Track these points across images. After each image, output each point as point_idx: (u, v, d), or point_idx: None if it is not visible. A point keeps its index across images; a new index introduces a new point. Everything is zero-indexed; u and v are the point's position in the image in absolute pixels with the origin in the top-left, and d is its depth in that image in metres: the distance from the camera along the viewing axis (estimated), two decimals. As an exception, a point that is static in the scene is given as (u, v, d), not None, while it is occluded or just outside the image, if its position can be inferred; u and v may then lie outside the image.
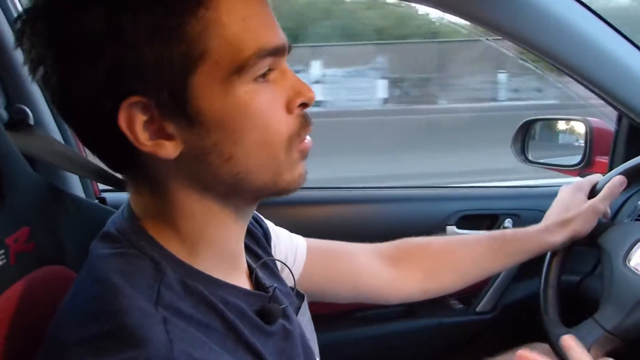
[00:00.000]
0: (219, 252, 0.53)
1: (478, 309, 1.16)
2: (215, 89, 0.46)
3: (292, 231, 0.78)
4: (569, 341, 0.65)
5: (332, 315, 1.07)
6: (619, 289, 0.82)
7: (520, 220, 1.15)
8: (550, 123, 1.47)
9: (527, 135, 1.37)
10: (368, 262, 0.82)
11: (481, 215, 1.17)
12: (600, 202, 0.89)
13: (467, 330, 1.15)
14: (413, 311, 1.13)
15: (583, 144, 1.24)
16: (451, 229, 1.14)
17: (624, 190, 0.93)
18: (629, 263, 0.83)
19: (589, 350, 0.79)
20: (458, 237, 0.96)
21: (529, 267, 0.99)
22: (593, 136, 1.22)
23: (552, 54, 0.99)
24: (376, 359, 1.10)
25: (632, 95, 1.03)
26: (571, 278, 1.03)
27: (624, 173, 0.92)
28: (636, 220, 1.00)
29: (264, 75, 0.48)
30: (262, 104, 0.48)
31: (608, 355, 0.80)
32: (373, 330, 1.11)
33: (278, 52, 0.48)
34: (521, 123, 1.36)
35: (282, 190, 0.52)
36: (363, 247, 0.84)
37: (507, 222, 1.16)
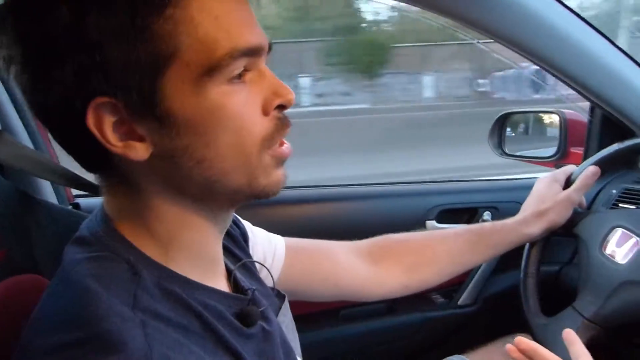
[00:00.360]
0: (196, 254, 0.52)
1: (460, 302, 1.17)
2: (187, 90, 0.44)
3: (271, 231, 0.78)
4: (571, 335, 0.64)
5: (315, 314, 1.07)
6: (596, 277, 0.83)
7: (499, 212, 1.16)
8: (526, 116, 1.49)
9: (503, 129, 1.38)
10: (348, 260, 0.82)
11: (460, 209, 1.18)
12: (575, 192, 0.90)
13: (449, 324, 1.16)
14: (395, 307, 1.13)
15: (558, 136, 1.26)
16: (431, 223, 1.14)
17: (598, 179, 0.95)
18: (604, 250, 0.84)
19: None
20: (437, 232, 0.96)
21: (509, 260, 1.01)
22: (567, 128, 1.24)
23: (528, 49, 1.00)
24: (360, 356, 1.09)
25: (604, 87, 1.06)
26: (550, 268, 1.05)
27: (597, 163, 0.94)
28: (611, 208, 1.02)
29: (239, 76, 0.46)
30: (236, 106, 0.46)
31: (588, 342, 0.81)
32: (356, 328, 1.11)
33: (254, 52, 0.47)
34: (497, 117, 1.38)
35: (258, 194, 0.51)
36: (342, 245, 0.83)
37: (486, 214, 1.17)
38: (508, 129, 1.40)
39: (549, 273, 1.01)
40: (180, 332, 0.45)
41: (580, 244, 0.89)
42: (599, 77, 1.05)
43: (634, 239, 0.81)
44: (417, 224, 1.13)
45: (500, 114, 1.39)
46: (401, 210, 1.16)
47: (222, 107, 0.46)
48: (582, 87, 1.07)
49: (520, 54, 1.05)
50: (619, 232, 0.84)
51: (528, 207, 0.91)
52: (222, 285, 0.56)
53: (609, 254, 0.83)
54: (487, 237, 0.89)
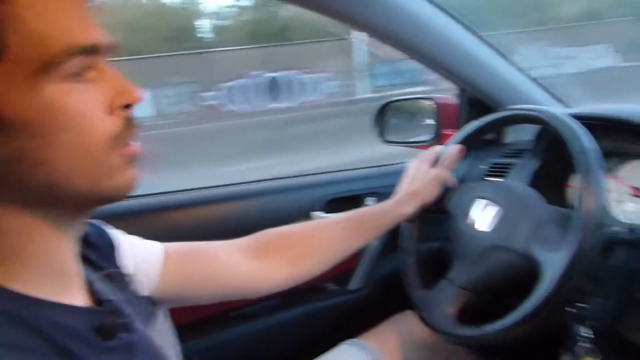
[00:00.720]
0: (44, 269, 0.48)
1: (351, 287, 1.20)
2: (19, 88, 0.42)
3: (156, 239, 0.75)
4: None
5: (203, 320, 1.04)
6: (464, 247, 0.89)
7: (381, 197, 1.20)
8: (406, 103, 1.56)
9: (386, 117, 1.43)
10: (231, 258, 0.81)
11: (345, 198, 1.20)
12: (442, 170, 0.96)
13: (343, 310, 1.18)
14: (289, 301, 1.13)
15: (434, 120, 1.33)
16: (317, 214, 1.16)
17: (467, 156, 1.01)
18: (468, 220, 0.90)
19: (445, 306, 0.85)
20: (318, 221, 0.98)
21: (394, 242, 1.04)
22: (439, 112, 1.31)
23: (401, 42, 1.06)
24: (255, 356, 1.08)
25: (468, 72, 1.14)
26: (432, 245, 1.10)
27: (460, 141, 1.00)
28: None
29: (79, 74, 0.45)
30: (76, 104, 0.44)
31: (463, 308, 0.86)
32: (249, 327, 1.09)
33: (92, 50, 0.45)
34: (380, 105, 1.43)
35: (105, 198, 0.49)
36: (224, 244, 0.82)
37: (370, 200, 1.20)
38: (391, 117, 1.45)
39: (431, 250, 1.06)
40: (23, 356, 0.42)
41: (450, 218, 0.94)
42: (463, 63, 1.14)
43: (495, 207, 0.88)
44: (304, 216, 1.14)
45: (383, 103, 1.44)
46: (289, 204, 1.17)
47: (59, 105, 0.43)
48: (448, 73, 1.15)
49: (393, 47, 1.10)
50: (482, 202, 0.90)
51: (401, 188, 0.96)
52: (79, 299, 0.53)
53: (473, 224, 0.89)
54: (366, 221, 0.92)
